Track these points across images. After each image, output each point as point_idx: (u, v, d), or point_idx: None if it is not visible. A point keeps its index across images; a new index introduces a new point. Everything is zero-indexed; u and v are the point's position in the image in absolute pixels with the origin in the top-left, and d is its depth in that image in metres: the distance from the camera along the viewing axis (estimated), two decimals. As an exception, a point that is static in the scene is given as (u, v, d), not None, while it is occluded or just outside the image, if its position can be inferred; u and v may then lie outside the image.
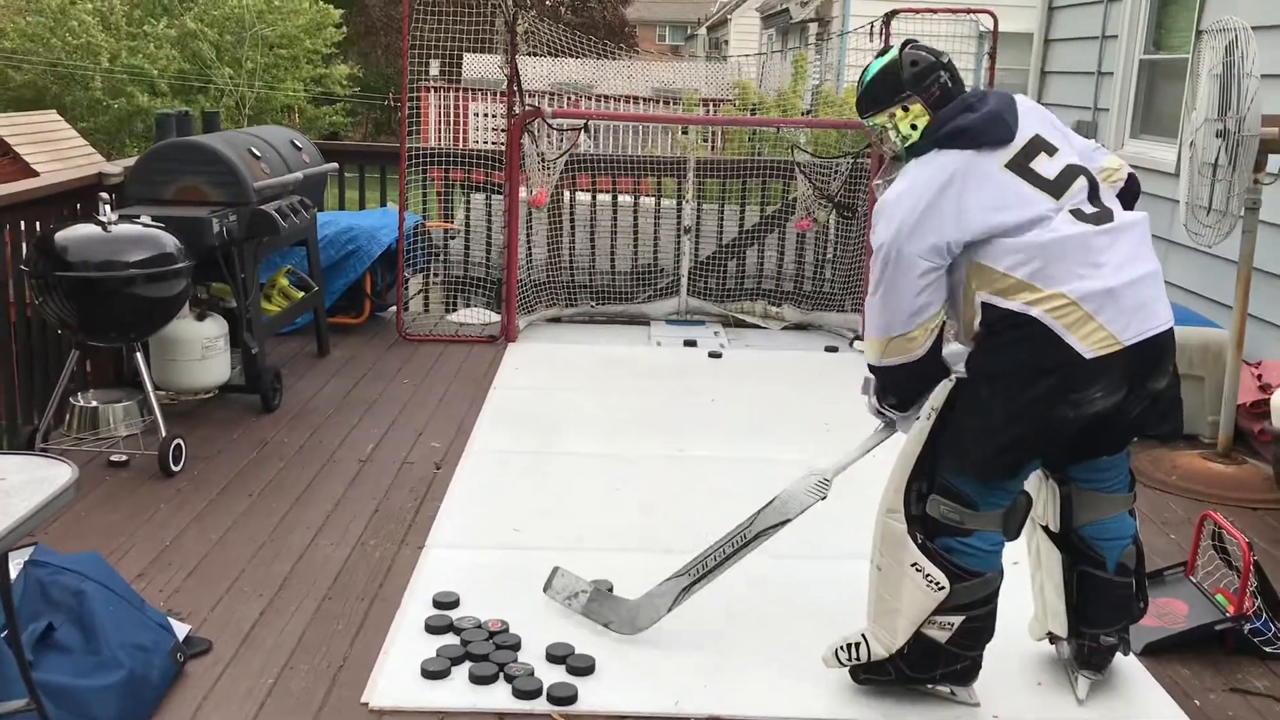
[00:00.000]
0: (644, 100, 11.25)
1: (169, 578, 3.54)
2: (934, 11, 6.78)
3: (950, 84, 2.82)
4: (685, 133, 8.10)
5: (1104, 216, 2.71)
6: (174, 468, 4.34)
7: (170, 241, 4.40)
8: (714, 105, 9.84)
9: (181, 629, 3.13)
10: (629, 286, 7.23)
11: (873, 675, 2.94)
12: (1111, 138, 7.11)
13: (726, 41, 31.13)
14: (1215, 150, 4.47)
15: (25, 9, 23.12)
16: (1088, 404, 2.64)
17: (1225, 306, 5.08)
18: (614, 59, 10.77)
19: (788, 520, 3.14)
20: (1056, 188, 2.70)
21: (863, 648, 2.90)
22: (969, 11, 6.84)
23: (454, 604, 3.36)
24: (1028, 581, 3.15)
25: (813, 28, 19.09)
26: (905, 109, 2.81)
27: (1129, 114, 7.08)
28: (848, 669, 2.97)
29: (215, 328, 4.94)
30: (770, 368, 6.27)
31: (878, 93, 2.85)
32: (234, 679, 3.01)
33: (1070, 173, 2.73)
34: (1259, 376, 4.99)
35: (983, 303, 2.70)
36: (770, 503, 3.18)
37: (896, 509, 2.82)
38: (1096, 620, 2.98)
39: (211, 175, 4.97)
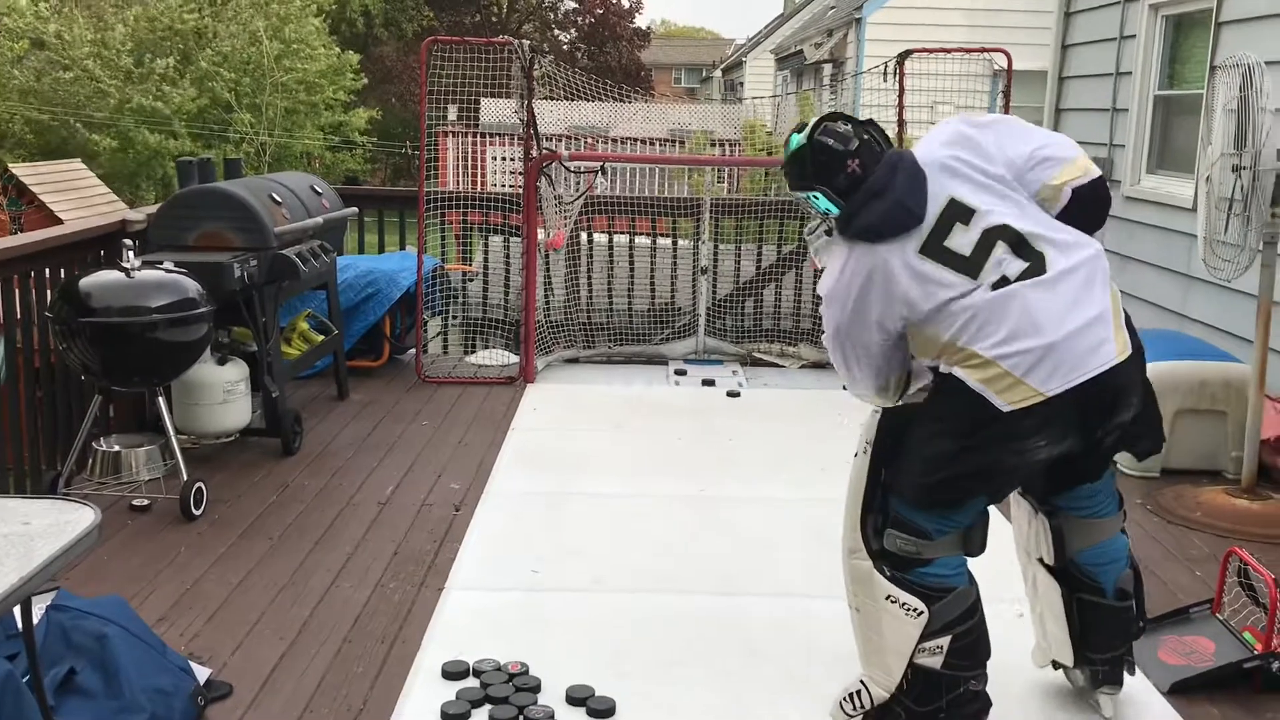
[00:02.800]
0: (660, 142, 11.34)
1: (190, 621, 3.55)
2: (947, 51, 6.82)
3: (861, 171, 2.74)
4: (700, 174, 8.16)
5: (1035, 269, 2.64)
6: (195, 511, 4.36)
7: (192, 286, 4.45)
8: (729, 146, 9.91)
9: (202, 673, 3.13)
10: (647, 327, 7.25)
11: None
12: (1128, 174, 7.12)
13: (742, 84, 31.36)
14: (1232, 185, 4.47)
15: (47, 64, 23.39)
16: (1030, 452, 2.66)
17: (1246, 341, 5.06)
18: (630, 102, 10.87)
19: None
20: (973, 265, 2.66)
21: (864, 694, 2.88)
22: (982, 50, 6.88)
23: (464, 673, 3.23)
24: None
25: (827, 69, 19.23)
26: (815, 196, 2.81)
27: (1145, 150, 7.09)
28: (859, 718, 2.94)
29: (236, 372, 4.98)
30: (788, 407, 6.26)
31: (791, 175, 2.88)
32: (254, 723, 3.01)
33: (988, 240, 2.67)
34: (1282, 411, 4.96)
35: (925, 365, 2.81)
36: None
37: (857, 548, 2.82)
38: (1101, 646, 2.98)
39: (233, 221, 5.02)
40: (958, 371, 2.66)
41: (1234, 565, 3.50)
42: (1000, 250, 2.67)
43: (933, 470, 2.72)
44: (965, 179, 2.73)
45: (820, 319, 7.31)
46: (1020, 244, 2.67)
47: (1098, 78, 7.75)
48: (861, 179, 2.75)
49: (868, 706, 2.88)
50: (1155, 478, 4.98)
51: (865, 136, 2.78)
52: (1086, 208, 2.78)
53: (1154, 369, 5.28)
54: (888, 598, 2.76)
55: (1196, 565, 4.16)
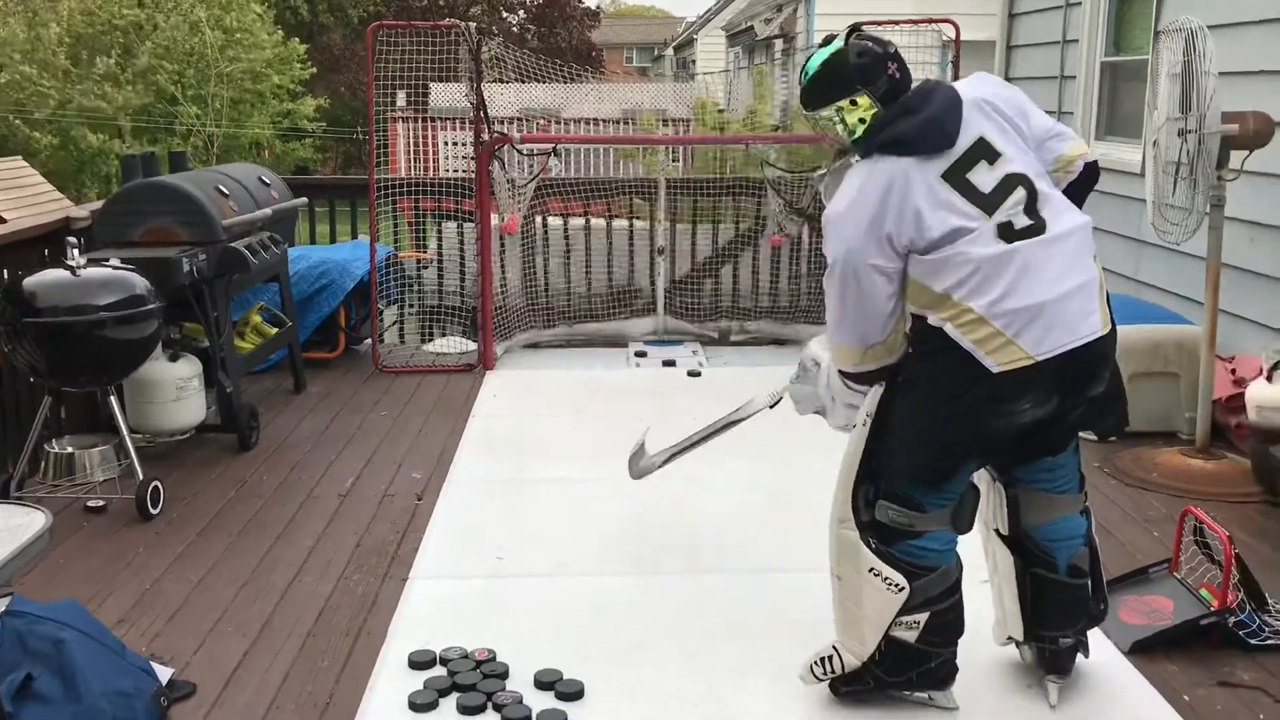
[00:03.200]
0: (613, 122, 11.30)
1: (150, 621, 3.50)
2: (896, 23, 6.82)
3: (898, 75, 2.74)
4: (654, 153, 8.14)
5: (1037, 229, 2.65)
6: (152, 511, 4.30)
7: (140, 283, 4.37)
8: (682, 124, 9.89)
9: (164, 673, 3.09)
10: (606, 309, 7.22)
11: (852, 685, 2.93)
12: (1076, 141, 7.17)
13: (694, 61, 31.32)
14: (1178, 149, 4.51)
15: None
16: (1018, 414, 2.66)
17: (1197, 303, 5.12)
18: (581, 82, 10.80)
19: (743, 419, 3.80)
20: (989, 203, 2.66)
21: (835, 660, 2.90)
22: (930, 21, 6.90)
23: (431, 663, 3.21)
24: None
25: (778, 44, 19.23)
26: (854, 103, 2.73)
27: (1093, 116, 7.14)
28: (828, 683, 2.95)
29: (189, 368, 4.91)
30: (749, 384, 6.23)
31: (824, 85, 2.76)
32: (219, 722, 2.97)
33: (1008, 184, 2.68)
34: (1233, 371, 5.02)
35: (911, 313, 2.75)
36: (739, 408, 3.77)
37: (846, 518, 2.82)
38: (1050, 622, 2.96)
39: (179, 215, 4.95)
40: (949, 329, 2.64)
41: (1190, 524, 3.54)
42: (1017, 196, 2.67)
43: (924, 444, 2.71)
44: (995, 124, 2.73)
45: (777, 295, 7.27)
46: (1032, 201, 2.68)
47: (1045, 46, 7.79)
48: (900, 86, 2.72)
49: (838, 672, 2.90)
50: (1111, 441, 5.03)
51: (894, 49, 2.77)
52: (1089, 184, 2.86)
53: (1107, 333, 5.32)
54: (871, 570, 2.77)
55: (1154, 526, 4.22)
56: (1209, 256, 4.66)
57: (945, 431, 2.69)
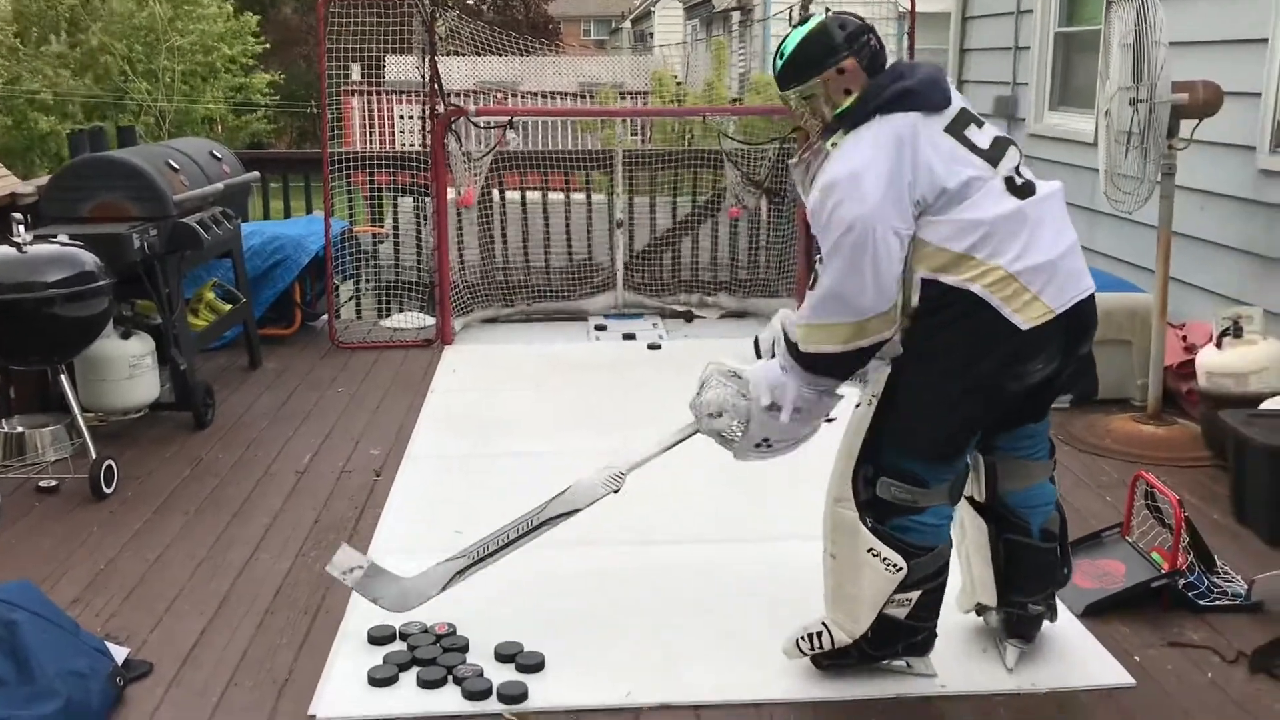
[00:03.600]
0: (571, 95, 11.23)
1: (106, 601, 3.46)
2: (852, -6, 6.82)
3: (879, 46, 2.77)
4: (611, 126, 8.10)
5: (1030, 188, 2.71)
6: (106, 490, 4.25)
7: (89, 259, 4.30)
8: (640, 97, 9.85)
9: (120, 652, 3.06)
10: (565, 283, 7.20)
11: (837, 660, 2.94)
12: (1032, 111, 7.22)
13: (651, 34, 31.14)
14: (1130, 118, 4.55)
15: None
16: (1030, 375, 2.68)
17: (1148, 271, 5.18)
18: (538, 55, 10.73)
19: (576, 510, 3.20)
20: (991, 157, 2.70)
21: (825, 636, 2.89)
22: (886, -8, 6.91)
23: (390, 638, 3.21)
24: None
25: (735, 16, 19.18)
26: (840, 71, 2.72)
27: (1047, 87, 7.19)
28: (810, 657, 2.96)
29: (141, 345, 4.84)
30: (710, 356, 6.24)
31: (807, 58, 2.74)
32: (176, 700, 2.95)
33: (1001, 144, 2.74)
34: (1184, 338, 5.09)
35: (922, 279, 2.68)
36: (562, 492, 3.23)
37: (845, 497, 2.80)
38: (1024, 588, 3.00)
39: (129, 190, 4.87)
40: (976, 288, 2.61)
41: (1141, 489, 3.60)
42: (1012, 154, 2.74)
43: (943, 419, 2.71)
44: (969, 105, 2.81)
45: (736, 267, 7.24)
46: (1020, 164, 2.75)
47: (999, 17, 7.82)
48: (880, 58, 2.76)
49: (827, 648, 2.90)
50: (1065, 408, 5.09)
51: (871, 25, 2.82)
52: None
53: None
54: (869, 550, 2.76)
55: (1107, 491, 4.28)
56: (1160, 225, 4.71)
57: (964, 404, 2.69)
